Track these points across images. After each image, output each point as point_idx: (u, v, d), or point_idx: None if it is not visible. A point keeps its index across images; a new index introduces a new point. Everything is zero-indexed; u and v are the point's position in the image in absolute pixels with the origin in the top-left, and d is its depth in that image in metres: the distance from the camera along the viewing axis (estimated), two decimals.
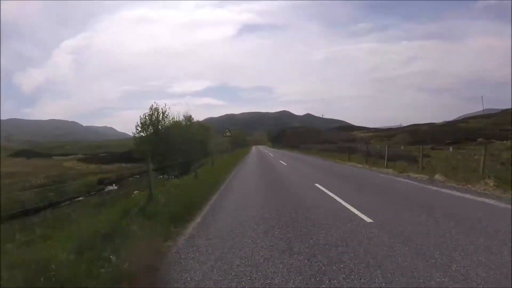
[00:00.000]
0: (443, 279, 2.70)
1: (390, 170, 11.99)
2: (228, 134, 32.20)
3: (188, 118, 34.31)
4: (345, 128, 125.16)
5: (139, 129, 26.82)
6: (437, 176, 9.05)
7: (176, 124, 29.55)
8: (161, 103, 36.27)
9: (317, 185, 8.76)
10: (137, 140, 27.22)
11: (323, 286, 2.71)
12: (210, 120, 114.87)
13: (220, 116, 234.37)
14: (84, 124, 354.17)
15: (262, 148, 75.02)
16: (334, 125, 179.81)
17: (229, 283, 2.86)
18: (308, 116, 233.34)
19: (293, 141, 72.08)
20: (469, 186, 7.52)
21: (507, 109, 70.76)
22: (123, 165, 43.71)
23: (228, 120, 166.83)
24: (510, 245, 3.43)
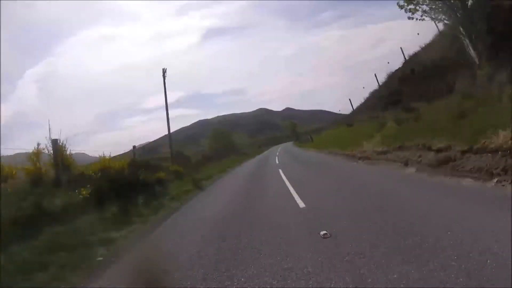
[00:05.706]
0: None
1: None
2: None
3: None
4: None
5: None
6: None
7: None
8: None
9: None
10: None
11: None
12: (182, 130, 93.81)
13: (191, 124, 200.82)
14: None
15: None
16: (316, 114, 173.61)
17: None
18: (289, 110, 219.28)
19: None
20: None
21: None
22: None
23: (201, 127, 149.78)
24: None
